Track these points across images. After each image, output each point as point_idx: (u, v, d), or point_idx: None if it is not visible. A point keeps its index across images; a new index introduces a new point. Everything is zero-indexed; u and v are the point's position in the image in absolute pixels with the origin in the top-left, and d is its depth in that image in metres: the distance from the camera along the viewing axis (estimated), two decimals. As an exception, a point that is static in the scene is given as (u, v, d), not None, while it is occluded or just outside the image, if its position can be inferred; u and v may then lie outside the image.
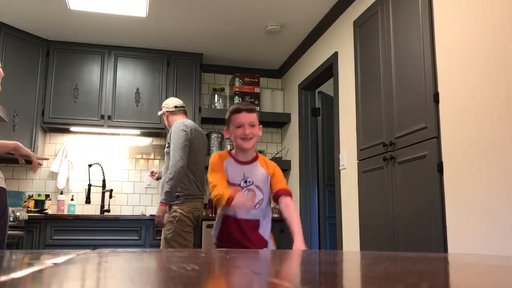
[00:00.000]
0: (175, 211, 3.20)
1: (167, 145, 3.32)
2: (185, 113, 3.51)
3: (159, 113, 3.62)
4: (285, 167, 4.92)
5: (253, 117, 2.18)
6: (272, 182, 2.23)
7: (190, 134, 3.26)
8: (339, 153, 3.77)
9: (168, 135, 3.32)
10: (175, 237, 3.15)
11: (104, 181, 4.60)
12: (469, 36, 2.37)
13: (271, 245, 2.23)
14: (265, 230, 2.21)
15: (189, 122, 3.38)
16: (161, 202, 3.17)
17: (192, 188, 3.26)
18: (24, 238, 3.86)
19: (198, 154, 3.33)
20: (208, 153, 3.64)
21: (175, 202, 3.23)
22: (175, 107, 3.46)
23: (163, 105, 3.56)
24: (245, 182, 2.20)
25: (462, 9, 2.43)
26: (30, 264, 0.59)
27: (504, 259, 0.81)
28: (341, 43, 3.84)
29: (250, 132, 2.16)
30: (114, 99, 4.57)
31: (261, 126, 2.25)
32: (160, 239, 3.35)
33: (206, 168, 3.52)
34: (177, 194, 3.20)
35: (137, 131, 4.74)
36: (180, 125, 3.27)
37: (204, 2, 3.81)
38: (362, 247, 3.24)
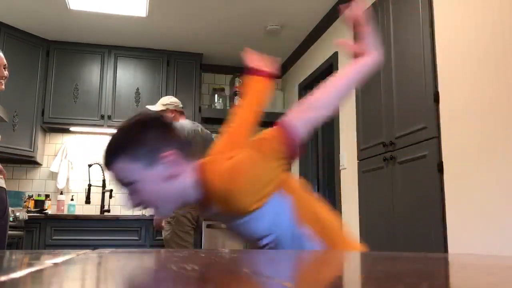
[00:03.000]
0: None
1: None
2: (181, 113, 3.49)
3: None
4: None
5: None
6: None
7: None
8: (339, 153, 3.77)
9: None
10: (173, 238, 3.21)
11: (104, 181, 4.60)
12: (469, 36, 2.37)
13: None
14: None
15: (181, 123, 3.39)
16: None
17: None
18: (24, 238, 3.86)
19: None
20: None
21: None
22: (162, 104, 3.45)
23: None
24: None
25: (462, 9, 2.43)
26: (30, 264, 0.59)
27: (504, 259, 0.81)
28: (341, 43, 3.84)
29: None
30: (114, 99, 4.57)
31: None
32: (160, 239, 3.39)
33: None
34: None
35: (137, 131, 4.73)
36: None
37: (204, 2, 3.81)
38: (362, 247, 3.24)
